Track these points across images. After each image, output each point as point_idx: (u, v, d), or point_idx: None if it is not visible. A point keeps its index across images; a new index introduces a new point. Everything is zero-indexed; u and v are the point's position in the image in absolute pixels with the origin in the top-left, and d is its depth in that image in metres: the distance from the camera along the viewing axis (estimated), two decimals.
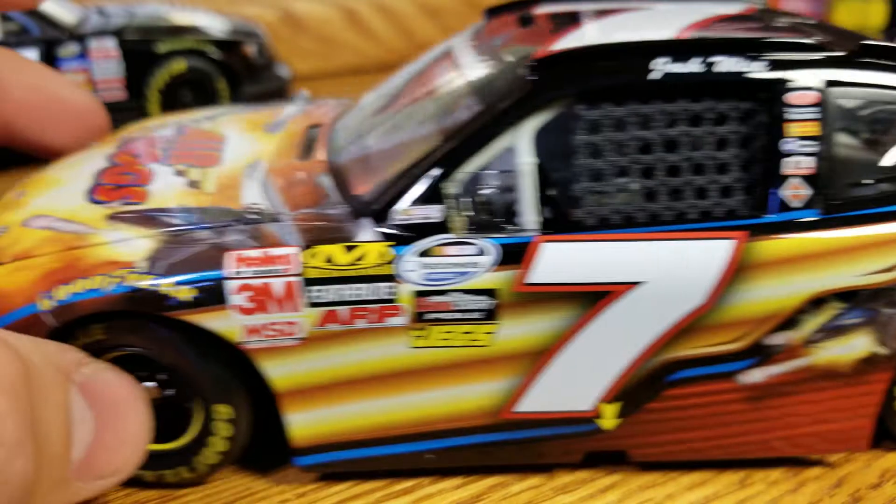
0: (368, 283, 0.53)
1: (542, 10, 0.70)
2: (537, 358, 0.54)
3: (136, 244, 0.55)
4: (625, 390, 0.55)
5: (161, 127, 0.78)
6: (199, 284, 0.52)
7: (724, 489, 0.58)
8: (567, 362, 0.55)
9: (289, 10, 1.81)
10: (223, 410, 0.56)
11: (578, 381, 0.55)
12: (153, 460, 0.57)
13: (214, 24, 1.40)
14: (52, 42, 1.28)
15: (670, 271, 0.52)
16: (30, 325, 0.53)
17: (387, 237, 0.53)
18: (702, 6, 0.65)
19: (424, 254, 0.53)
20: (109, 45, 1.32)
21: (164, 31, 1.36)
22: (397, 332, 0.54)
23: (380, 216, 0.54)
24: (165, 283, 0.52)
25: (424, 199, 0.53)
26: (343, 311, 0.53)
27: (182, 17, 1.40)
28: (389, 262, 0.53)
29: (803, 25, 0.60)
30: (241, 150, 0.68)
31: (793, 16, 0.63)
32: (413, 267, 0.53)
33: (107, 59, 1.32)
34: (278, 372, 0.54)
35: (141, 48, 1.34)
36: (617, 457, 0.59)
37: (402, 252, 0.53)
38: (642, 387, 0.56)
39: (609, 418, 0.56)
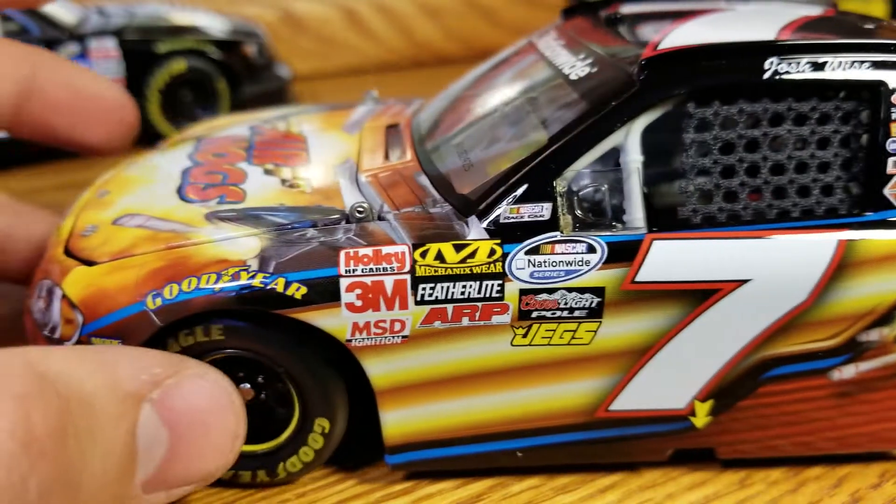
0: (477, 281, 0.52)
1: (623, 10, 0.71)
2: (637, 356, 0.55)
3: (243, 243, 0.54)
4: (719, 388, 0.56)
5: (231, 127, 0.77)
6: (311, 282, 0.52)
7: (724, 489, 0.58)
8: (666, 360, 0.55)
9: (289, 10, 1.80)
10: (323, 424, 0.56)
11: (676, 379, 0.56)
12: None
13: (214, 25, 1.39)
14: (52, 42, 1.25)
15: (775, 269, 0.53)
16: (136, 323, 0.52)
17: (495, 235, 0.53)
18: (782, 8, 0.66)
19: (533, 252, 0.53)
20: (109, 45, 1.30)
21: (164, 31, 1.34)
22: (500, 329, 0.53)
23: (487, 215, 0.54)
24: (281, 282, 0.51)
25: (532, 198, 0.53)
26: (450, 308, 0.53)
27: (182, 18, 1.39)
28: (499, 260, 0.52)
29: (889, 26, 0.61)
30: (326, 150, 0.68)
31: (871, 19, 0.64)
32: (522, 265, 0.52)
33: (107, 59, 1.30)
34: (380, 370, 0.54)
35: (141, 48, 1.32)
36: (705, 454, 0.59)
37: (511, 250, 0.53)
38: (736, 384, 0.56)
39: (701, 416, 0.57)
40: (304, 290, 0.51)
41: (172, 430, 0.46)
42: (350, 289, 0.52)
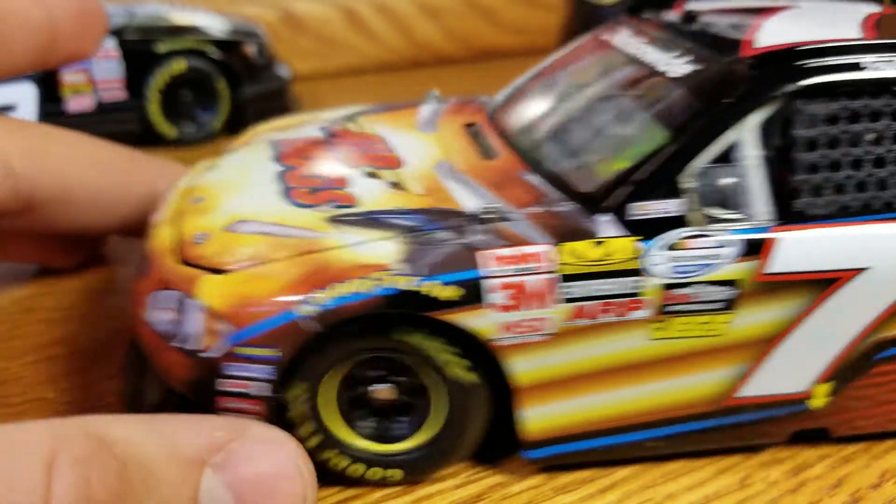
0: (617, 278, 0.54)
1: (692, 7, 0.73)
2: (765, 345, 0.57)
3: (379, 247, 0.54)
4: (837, 371, 0.59)
5: (298, 128, 0.77)
6: (459, 284, 0.52)
7: (724, 489, 0.58)
8: (791, 347, 0.57)
9: (289, 10, 1.78)
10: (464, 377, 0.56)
11: (799, 364, 0.58)
12: (370, 457, 0.57)
13: (214, 24, 1.37)
14: None
15: (892, 257, 0.56)
16: (288, 331, 0.52)
17: (626, 232, 0.55)
18: (844, 5, 0.69)
19: (668, 247, 0.54)
20: (109, 45, 1.27)
21: (164, 31, 1.32)
22: (638, 325, 0.55)
23: (615, 211, 0.55)
24: (429, 284, 0.52)
25: (659, 195, 0.55)
26: (592, 305, 0.54)
27: (182, 17, 1.36)
28: (636, 257, 0.54)
29: None
30: (412, 150, 0.68)
31: None
32: (660, 261, 0.54)
33: (107, 59, 1.27)
34: (522, 368, 0.55)
35: (141, 48, 1.30)
36: (818, 434, 0.62)
37: (648, 246, 0.54)
38: (852, 366, 0.59)
39: (819, 398, 0.59)
40: (452, 291, 0.52)
41: (237, 496, 0.45)
42: (498, 289, 0.53)
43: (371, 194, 0.61)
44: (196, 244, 0.58)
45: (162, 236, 0.61)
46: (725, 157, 0.56)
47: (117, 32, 1.29)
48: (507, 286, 0.53)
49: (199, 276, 0.55)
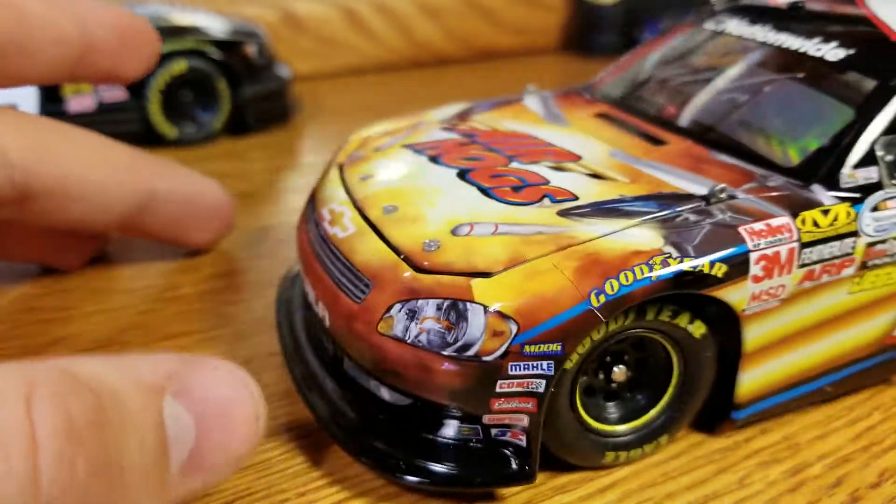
0: (839, 241, 0.61)
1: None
2: None
3: (638, 233, 0.57)
4: None
5: (413, 133, 0.78)
6: (728, 261, 0.57)
7: (723, 488, 0.59)
8: None
9: (289, 10, 1.76)
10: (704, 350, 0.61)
11: None
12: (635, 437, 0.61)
13: (215, 25, 1.36)
14: None
15: None
16: (581, 322, 0.53)
17: (841, 199, 0.61)
18: None
19: (874, 209, 0.62)
20: None
21: (165, 31, 1.28)
22: (844, 281, 0.62)
23: (829, 182, 0.62)
24: (704, 264, 0.56)
25: (862, 163, 0.62)
26: (818, 268, 0.60)
27: (182, 18, 1.34)
28: (854, 220, 0.61)
29: None
30: (573, 144, 0.71)
31: None
32: (868, 221, 0.61)
33: None
34: (754, 333, 0.60)
35: None
36: None
37: (858, 210, 0.61)
38: None
39: None
40: (724, 268, 0.56)
41: (197, 418, 0.49)
42: (757, 261, 0.58)
43: (582, 187, 0.63)
44: (428, 252, 0.57)
45: (367, 249, 0.60)
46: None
47: None
48: (764, 258, 0.58)
49: (469, 281, 0.54)
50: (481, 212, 0.60)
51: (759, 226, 0.58)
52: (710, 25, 0.82)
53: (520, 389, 0.54)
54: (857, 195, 0.62)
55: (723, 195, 0.60)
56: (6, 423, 0.40)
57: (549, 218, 0.59)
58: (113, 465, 0.43)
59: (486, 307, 0.53)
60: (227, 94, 1.36)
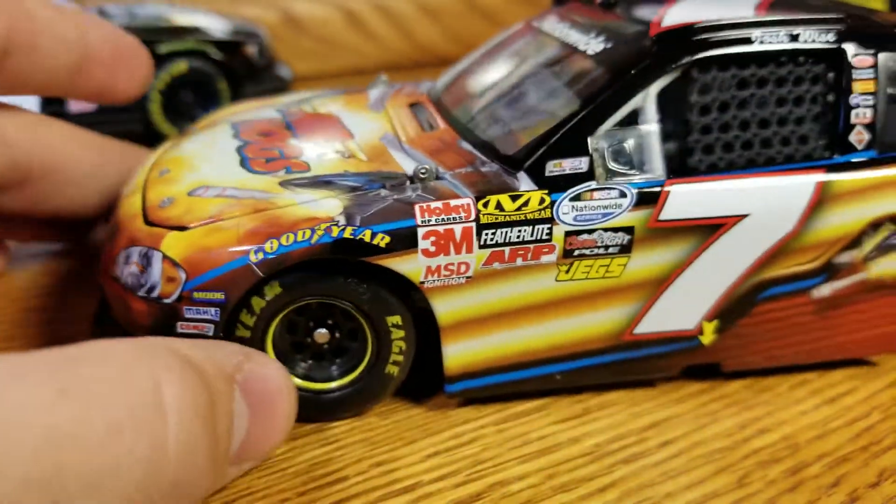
0: (530, 226, 0.62)
1: None
2: (658, 285, 0.65)
3: (325, 203, 0.62)
4: (724, 309, 0.67)
5: (255, 111, 0.85)
6: (393, 232, 0.60)
7: (722, 488, 0.59)
8: (681, 287, 0.66)
9: (289, 11, 1.81)
10: (392, 320, 0.64)
11: (688, 302, 0.67)
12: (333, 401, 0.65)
13: (215, 25, 1.42)
14: None
15: (768, 205, 0.64)
16: (239, 276, 0.59)
17: (543, 187, 0.63)
18: None
19: (576, 198, 0.62)
20: None
21: (166, 32, 1.36)
22: (547, 267, 0.63)
23: (534, 170, 0.63)
24: (365, 233, 0.60)
25: (572, 154, 0.63)
26: (507, 250, 0.62)
27: (183, 18, 1.41)
28: (548, 207, 0.62)
29: (837, 5, 0.73)
30: (362, 126, 0.77)
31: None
32: (567, 210, 0.62)
33: None
34: (445, 308, 0.63)
35: None
36: (710, 369, 0.69)
37: (557, 198, 0.62)
38: (737, 305, 0.67)
39: (708, 334, 0.68)
40: (387, 238, 0.60)
41: (252, 409, 0.53)
42: (426, 237, 0.61)
43: (322, 162, 0.69)
44: (161, 208, 0.64)
45: (130, 203, 0.67)
46: (630, 121, 0.64)
47: None
48: (434, 234, 0.61)
49: (164, 233, 0.62)
50: (224, 178, 0.67)
51: (436, 204, 0.61)
52: (535, 23, 0.85)
53: (195, 331, 0.61)
54: (563, 184, 0.62)
55: (424, 175, 0.63)
56: (141, 403, 0.43)
57: (269, 186, 0.65)
58: (220, 444, 0.48)
59: (164, 255, 0.61)
60: (228, 95, 1.41)
